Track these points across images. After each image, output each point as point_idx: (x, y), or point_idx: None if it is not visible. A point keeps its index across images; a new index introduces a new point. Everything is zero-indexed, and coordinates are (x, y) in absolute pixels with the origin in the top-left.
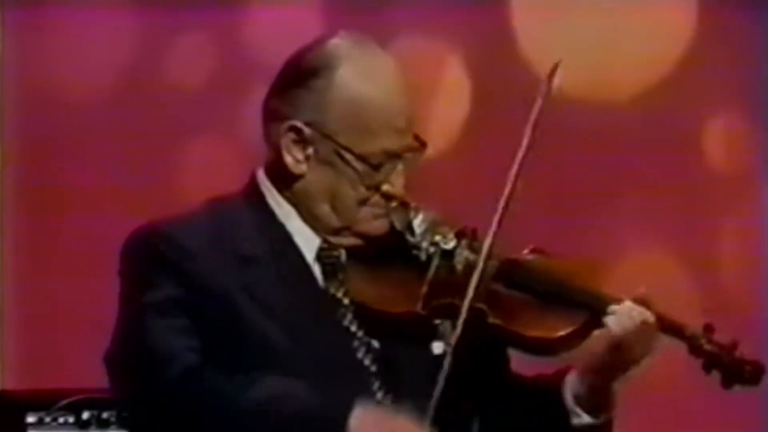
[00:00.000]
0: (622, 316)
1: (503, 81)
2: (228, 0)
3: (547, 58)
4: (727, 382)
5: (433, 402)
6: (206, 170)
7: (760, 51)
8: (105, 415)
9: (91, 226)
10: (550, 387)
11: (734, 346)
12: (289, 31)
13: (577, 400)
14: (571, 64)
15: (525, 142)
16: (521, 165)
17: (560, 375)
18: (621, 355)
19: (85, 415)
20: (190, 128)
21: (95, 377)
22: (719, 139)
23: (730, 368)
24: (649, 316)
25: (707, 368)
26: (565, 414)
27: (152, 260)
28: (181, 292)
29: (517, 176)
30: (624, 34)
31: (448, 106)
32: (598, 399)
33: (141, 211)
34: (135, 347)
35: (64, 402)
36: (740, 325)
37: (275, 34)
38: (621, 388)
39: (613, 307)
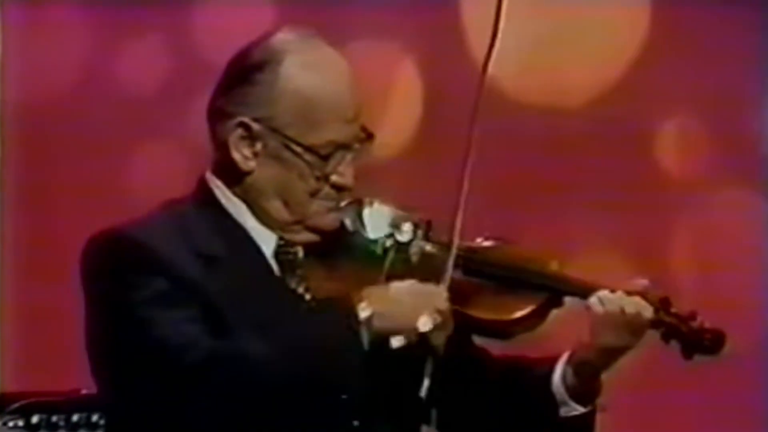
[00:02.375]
0: (606, 299)
1: (455, 81)
2: (179, 1)
3: (498, 59)
4: (687, 352)
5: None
6: (159, 173)
7: (712, 53)
8: (54, 418)
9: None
10: (537, 374)
11: (693, 316)
12: (242, 32)
13: (567, 389)
14: (522, 67)
15: (473, 132)
16: (471, 154)
17: (548, 362)
18: (607, 341)
19: (35, 419)
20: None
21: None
22: (672, 141)
23: (689, 338)
24: (641, 305)
25: (666, 338)
26: (552, 403)
27: (125, 263)
28: (165, 287)
29: (469, 164)
30: (576, 37)
31: (401, 106)
32: (586, 388)
33: (98, 214)
34: (142, 346)
35: (14, 406)
36: None
37: (228, 35)
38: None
39: (599, 292)
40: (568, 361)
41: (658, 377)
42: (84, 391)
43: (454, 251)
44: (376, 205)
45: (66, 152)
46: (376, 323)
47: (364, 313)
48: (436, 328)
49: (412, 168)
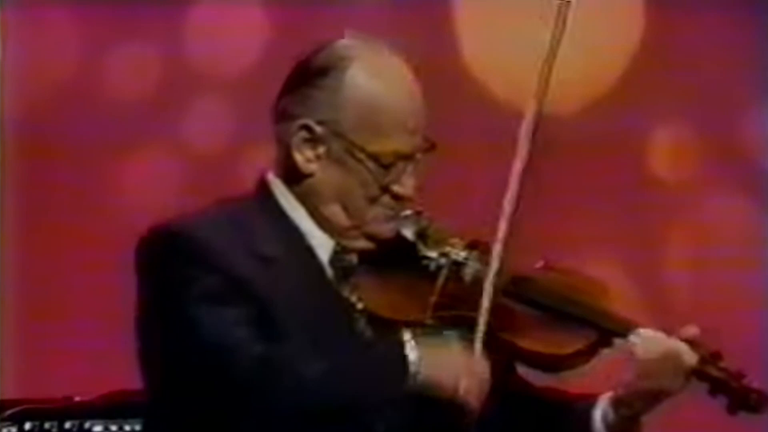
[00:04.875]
0: (650, 342)
1: (445, 81)
2: (170, 5)
3: (490, 64)
4: (733, 408)
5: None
6: (149, 179)
7: (706, 58)
8: (47, 425)
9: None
10: (578, 411)
11: (741, 374)
12: (232, 36)
13: (607, 428)
14: (515, 73)
15: (522, 150)
16: (522, 176)
17: (589, 400)
18: (649, 384)
19: (28, 426)
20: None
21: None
22: (665, 147)
23: (737, 394)
24: (684, 349)
25: (713, 392)
26: None
27: (180, 257)
28: (219, 285)
29: (519, 187)
30: (569, 43)
31: None
32: (625, 428)
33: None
34: (191, 344)
35: (8, 413)
36: None
37: (218, 39)
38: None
39: (641, 332)
40: (610, 401)
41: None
42: (77, 399)
43: (491, 278)
44: (433, 221)
45: (61, 154)
46: (423, 370)
47: (412, 354)
48: (474, 396)
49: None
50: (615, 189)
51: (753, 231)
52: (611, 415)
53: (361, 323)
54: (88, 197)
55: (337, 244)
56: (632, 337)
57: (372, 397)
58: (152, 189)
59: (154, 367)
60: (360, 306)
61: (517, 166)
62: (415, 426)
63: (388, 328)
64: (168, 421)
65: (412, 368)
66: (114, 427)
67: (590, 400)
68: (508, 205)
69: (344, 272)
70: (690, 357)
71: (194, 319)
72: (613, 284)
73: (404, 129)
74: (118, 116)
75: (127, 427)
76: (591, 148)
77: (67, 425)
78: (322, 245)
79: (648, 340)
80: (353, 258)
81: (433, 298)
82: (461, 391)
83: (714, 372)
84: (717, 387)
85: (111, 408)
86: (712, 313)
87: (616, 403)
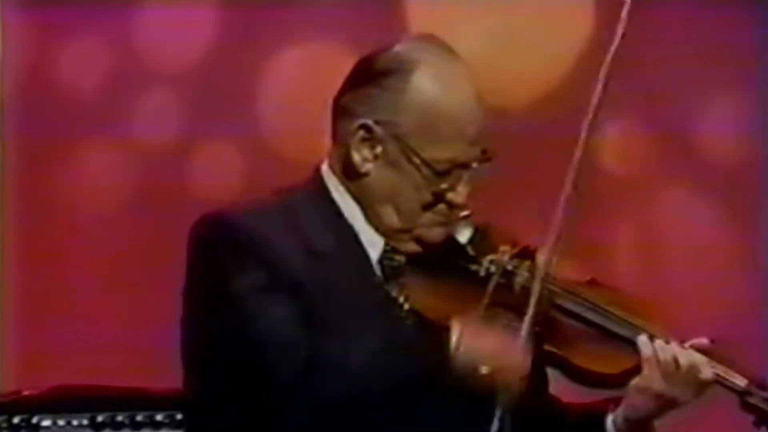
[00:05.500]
0: (661, 351)
1: None
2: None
3: None
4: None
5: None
6: (98, 174)
7: (655, 54)
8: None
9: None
10: (592, 417)
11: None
12: (183, 32)
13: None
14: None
15: (575, 162)
16: (573, 191)
17: (602, 406)
18: (660, 393)
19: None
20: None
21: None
22: (614, 142)
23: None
24: (700, 362)
25: (759, 425)
26: None
27: (230, 247)
28: (267, 278)
29: (568, 201)
30: (521, 37)
31: None
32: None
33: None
34: (244, 345)
35: None
36: None
37: (169, 35)
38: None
39: (657, 343)
40: (621, 406)
41: None
42: (25, 393)
43: (535, 294)
44: (487, 225)
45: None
46: (464, 344)
47: (455, 331)
48: (510, 392)
49: None
50: (564, 183)
51: (703, 226)
52: (621, 420)
53: (408, 323)
54: (85, 195)
55: (387, 243)
56: (640, 340)
57: (415, 375)
58: (101, 183)
59: (196, 358)
60: (407, 306)
61: (571, 175)
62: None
63: (434, 330)
64: (209, 416)
65: (453, 343)
66: (62, 422)
67: (602, 406)
68: (558, 216)
69: (393, 271)
70: (704, 367)
71: (243, 312)
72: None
73: (463, 138)
74: (68, 112)
75: (74, 422)
76: (540, 142)
77: (16, 420)
78: (373, 243)
79: (658, 346)
80: (402, 258)
81: (482, 305)
82: (498, 371)
83: (761, 405)
84: (764, 419)
85: (59, 402)
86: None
87: (624, 407)
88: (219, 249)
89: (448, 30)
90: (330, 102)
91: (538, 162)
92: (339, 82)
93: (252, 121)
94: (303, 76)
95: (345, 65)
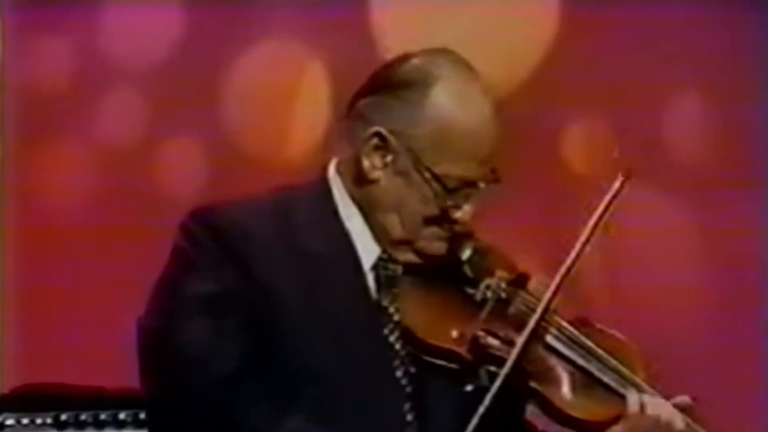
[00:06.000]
0: (647, 407)
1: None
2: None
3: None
4: None
5: None
6: (66, 171)
7: (619, 52)
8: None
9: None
10: None
11: None
12: (149, 33)
13: None
14: None
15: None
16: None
17: None
18: None
19: None
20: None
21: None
22: (579, 140)
23: None
24: (677, 420)
25: None
26: None
27: (207, 239)
28: (232, 279)
29: (583, 247)
30: (485, 35)
31: (309, 106)
32: None
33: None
34: (173, 344)
35: None
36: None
37: (134, 34)
38: None
39: (644, 396)
40: None
41: None
42: None
43: (529, 328)
44: (488, 249)
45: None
46: None
47: None
48: None
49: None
50: (530, 183)
51: (669, 226)
52: None
53: (394, 334)
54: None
55: (384, 251)
56: (630, 396)
57: None
58: (66, 182)
59: (144, 350)
60: (396, 317)
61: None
62: None
63: (420, 347)
64: (161, 413)
65: None
66: (26, 420)
67: None
68: (567, 260)
69: (387, 280)
70: (678, 421)
71: (187, 314)
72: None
73: (475, 157)
74: (33, 111)
75: (38, 420)
76: (506, 141)
77: None
78: (369, 250)
79: (645, 400)
80: (398, 268)
81: (472, 331)
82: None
83: None
84: None
85: (23, 401)
86: (628, 308)
87: None
88: (197, 243)
89: (411, 30)
90: (293, 101)
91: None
92: (302, 82)
93: (216, 120)
94: (267, 76)
95: (308, 66)
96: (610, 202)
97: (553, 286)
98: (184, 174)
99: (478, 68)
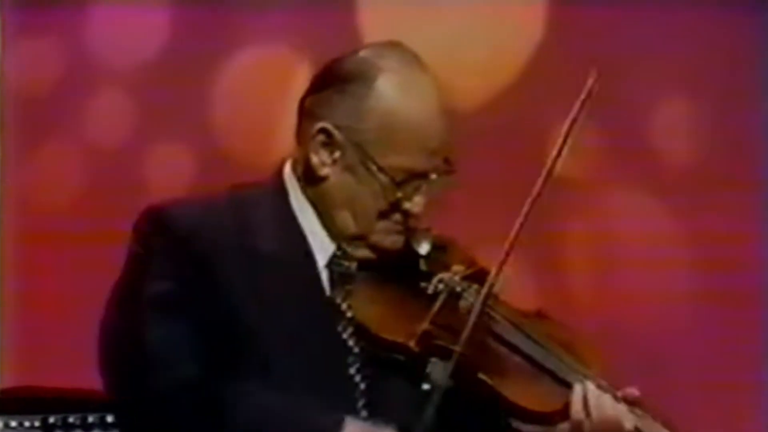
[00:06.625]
0: (593, 398)
1: None
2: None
3: None
4: None
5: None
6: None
7: (606, 56)
8: None
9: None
10: None
11: None
12: (136, 33)
13: None
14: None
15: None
16: (526, 216)
17: None
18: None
19: None
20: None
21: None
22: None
23: None
24: (625, 413)
25: None
26: None
27: (161, 240)
28: (185, 279)
29: (521, 226)
30: (472, 37)
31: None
32: None
33: None
34: (134, 347)
35: None
36: (589, 328)
37: (121, 36)
38: None
39: (591, 389)
40: None
41: None
42: None
43: (472, 319)
44: (446, 244)
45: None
46: None
47: None
48: None
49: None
50: (516, 185)
51: (655, 229)
52: None
53: (348, 331)
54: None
55: (338, 248)
56: (576, 386)
57: None
58: (53, 183)
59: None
60: (349, 314)
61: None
62: None
63: (372, 342)
64: (126, 414)
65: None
66: (14, 423)
67: None
68: (507, 242)
69: (341, 277)
70: (627, 420)
71: (140, 320)
72: (514, 281)
73: (423, 149)
74: (20, 112)
75: (26, 423)
76: (492, 144)
77: None
78: (323, 248)
79: (589, 390)
80: (352, 265)
81: (423, 325)
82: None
83: None
84: None
85: (11, 404)
86: (613, 312)
87: None
88: (152, 241)
89: (399, 34)
90: (281, 104)
91: (489, 164)
92: (290, 85)
93: (203, 123)
94: (254, 79)
95: (296, 69)
96: (584, 102)
97: (496, 267)
98: (171, 177)
99: (465, 69)
